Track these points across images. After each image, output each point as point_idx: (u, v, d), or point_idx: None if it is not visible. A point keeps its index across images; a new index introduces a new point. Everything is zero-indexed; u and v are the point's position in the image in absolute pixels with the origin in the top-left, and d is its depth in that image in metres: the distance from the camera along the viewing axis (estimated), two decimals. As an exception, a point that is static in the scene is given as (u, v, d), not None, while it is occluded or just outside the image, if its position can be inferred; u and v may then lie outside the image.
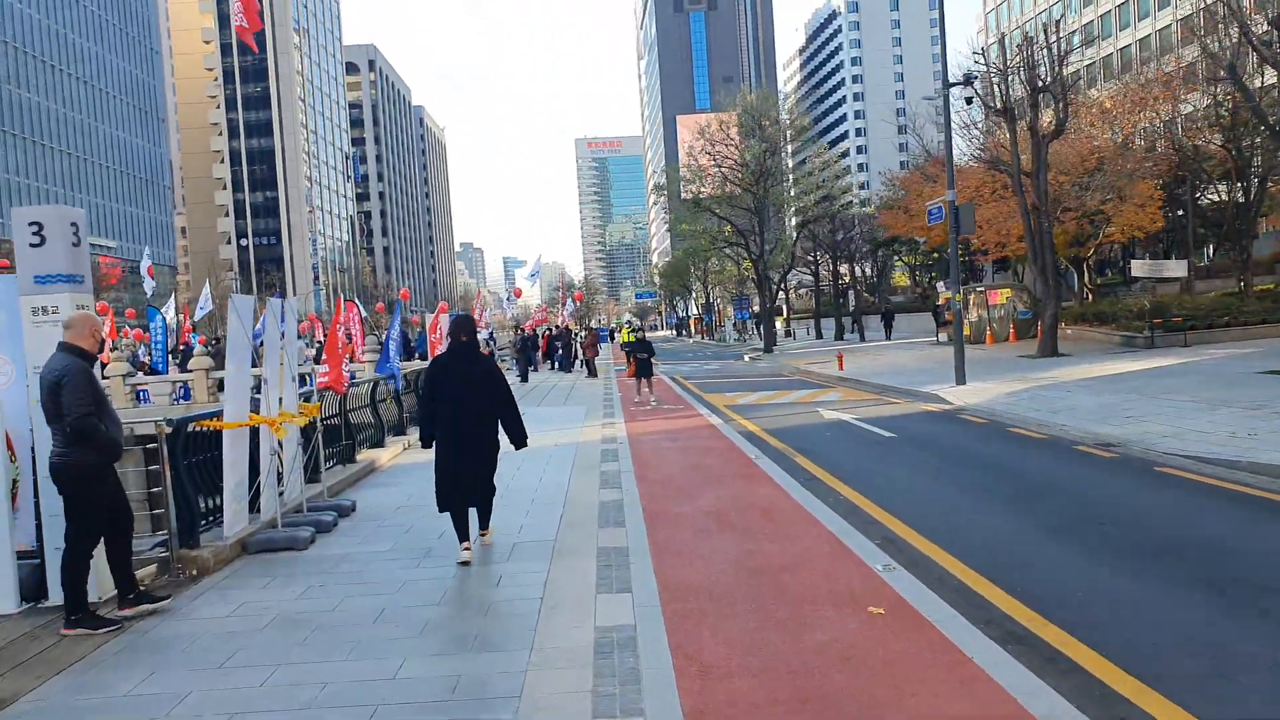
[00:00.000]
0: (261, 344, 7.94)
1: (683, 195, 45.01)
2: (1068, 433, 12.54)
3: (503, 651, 4.77)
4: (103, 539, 5.69)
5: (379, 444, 12.62)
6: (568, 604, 5.51)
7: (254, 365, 7.81)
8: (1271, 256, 40.64)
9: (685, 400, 20.49)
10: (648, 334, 21.69)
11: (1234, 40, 18.14)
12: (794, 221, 47.89)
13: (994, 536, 7.15)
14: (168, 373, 24.29)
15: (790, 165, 50.22)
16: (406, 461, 12.14)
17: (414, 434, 14.30)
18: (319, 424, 9.14)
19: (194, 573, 6.73)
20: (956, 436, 13.29)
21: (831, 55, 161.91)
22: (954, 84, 20.48)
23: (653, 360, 20.27)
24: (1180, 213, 32.77)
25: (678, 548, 6.85)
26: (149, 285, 41.65)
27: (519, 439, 7.23)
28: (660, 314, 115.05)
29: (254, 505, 7.67)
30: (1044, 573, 6.10)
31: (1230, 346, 24.45)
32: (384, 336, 15.30)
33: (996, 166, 28.70)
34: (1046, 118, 28.17)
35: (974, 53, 27.45)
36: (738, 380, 27.82)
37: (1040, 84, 26.39)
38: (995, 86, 26.81)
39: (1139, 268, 34.05)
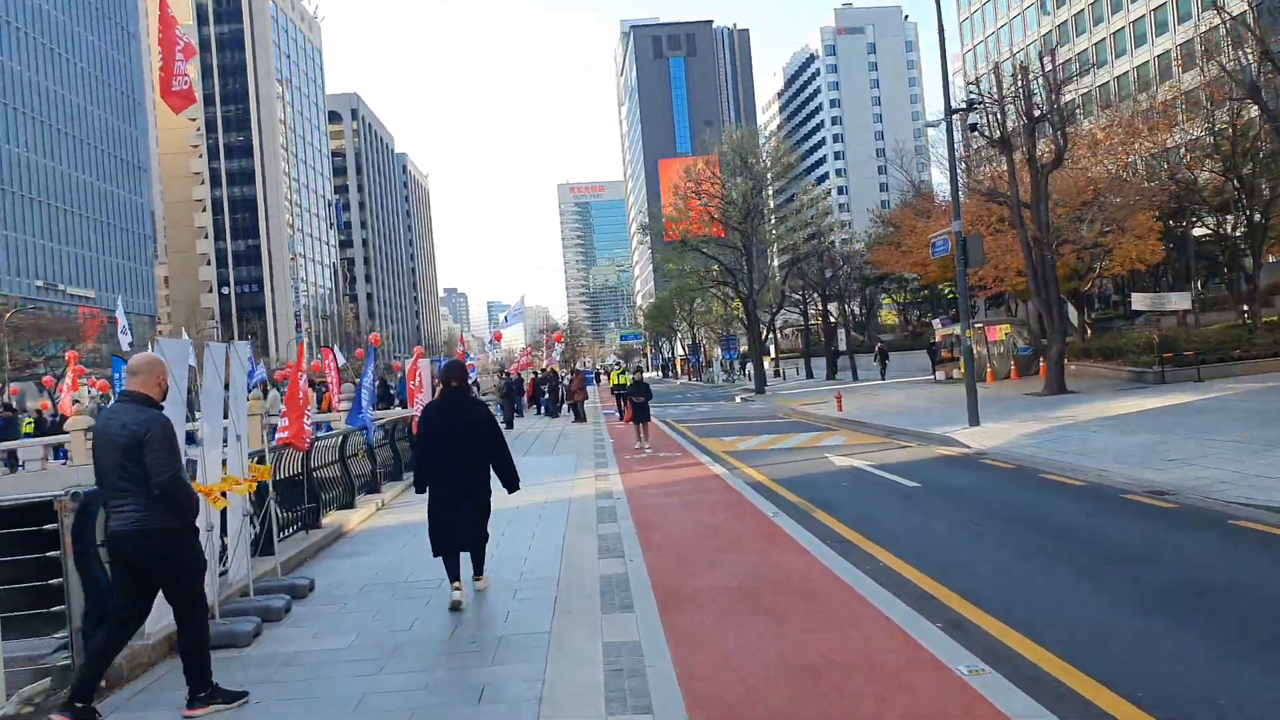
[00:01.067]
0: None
1: (666, 236, 44.18)
2: (1109, 478, 11.38)
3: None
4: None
5: (348, 505, 11.30)
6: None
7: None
8: (1268, 288, 40.08)
9: (682, 446, 19.24)
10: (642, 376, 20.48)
11: (1253, 59, 17.44)
12: (781, 260, 47.18)
13: (1083, 618, 5.92)
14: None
15: (774, 205, 49.52)
16: (379, 524, 10.82)
17: (389, 491, 12.99)
18: (271, 489, 7.85)
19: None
20: (987, 485, 12.11)
21: (810, 98, 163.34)
22: (957, 110, 19.66)
23: (649, 404, 19.07)
24: (1173, 245, 32.07)
25: (702, 640, 5.59)
26: (124, 337, 40.15)
27: (511, 483, 7.27)
28: (645, 355, 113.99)
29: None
30: (1169, 672, 4.88)
31: (1246, 381, 23.45)
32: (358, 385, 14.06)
33: (995, 198, 27.93)
34: (1044, 147, 27.53)
35: (968, 83, 26.85)
36: (733, 423, 26.62)
37: (1038, 113, 25.73)
38: (991, 116, 26.14)
39: (1140, 301, 33.23)
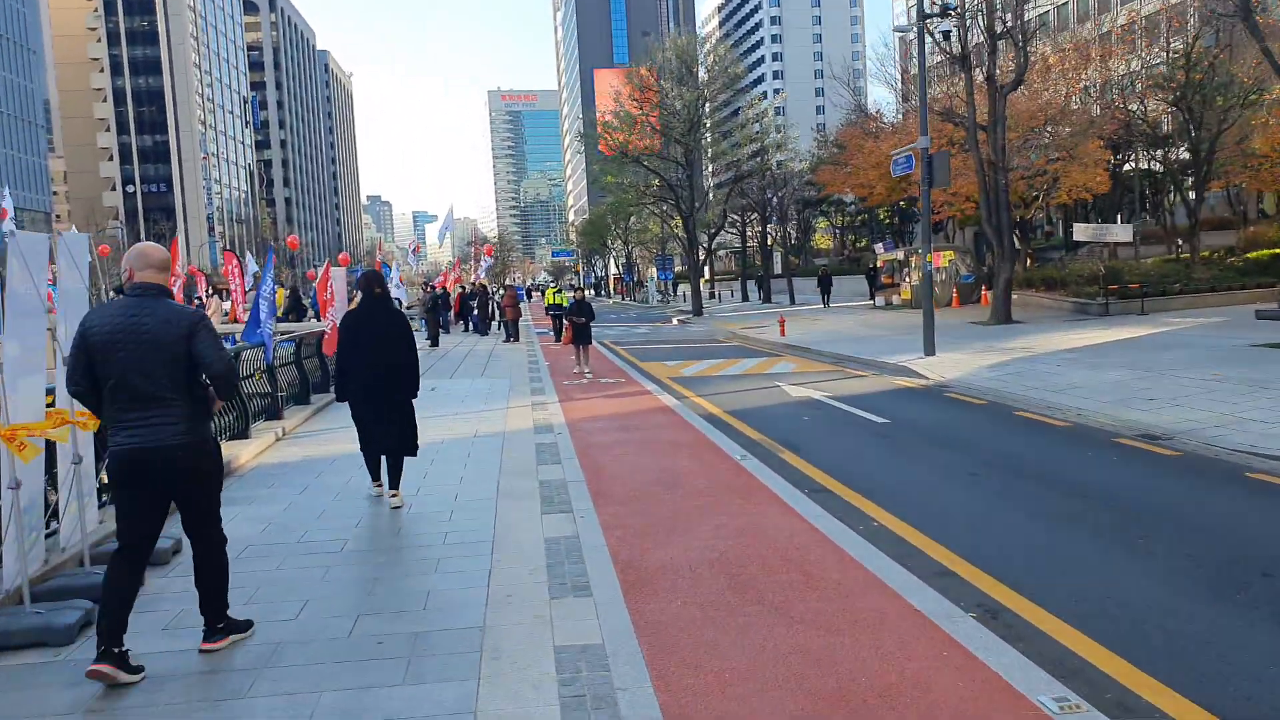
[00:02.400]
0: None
1: (602, 147, 41.98)
2: (1090, 418, 10.49)
3: None
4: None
5: (240, 434, 9.63)
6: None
7: None
8: (1201, 223, 40.15)
9: (624, 371, 17.87)
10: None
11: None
12: (724, 178, 45.48)
13: (1144, 604, 4.80)
14: None
15: (717, 118, 47.46)
16: (278, 459, 9.21)
17: (293, 418, 11.33)
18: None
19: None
20: (962, 423, 11.08)
21: (750, 13, 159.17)
22: (929, 15, 18.13)
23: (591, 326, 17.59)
24: (1114, 177, 31.49)
25: (685, 647, 4.26)
26: (6, 228, 36.47)
27: (412, 390, 7.24)
28: (578, 273, 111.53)
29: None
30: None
31: (1189, 315, 23.11)
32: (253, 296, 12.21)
33: (950, 119, 26.72)
34: (1003, 67, 26.28)
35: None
36: (673, 346, 25.37)
37: (1000, 28, 24.38)
38: (955, 31, 24.72)
39: (1082, 232, 32.78)
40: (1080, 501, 7.01)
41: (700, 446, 9.34)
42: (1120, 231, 32.16)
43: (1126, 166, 33.70)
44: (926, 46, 24.25)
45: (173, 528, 4.64)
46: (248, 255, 30.63)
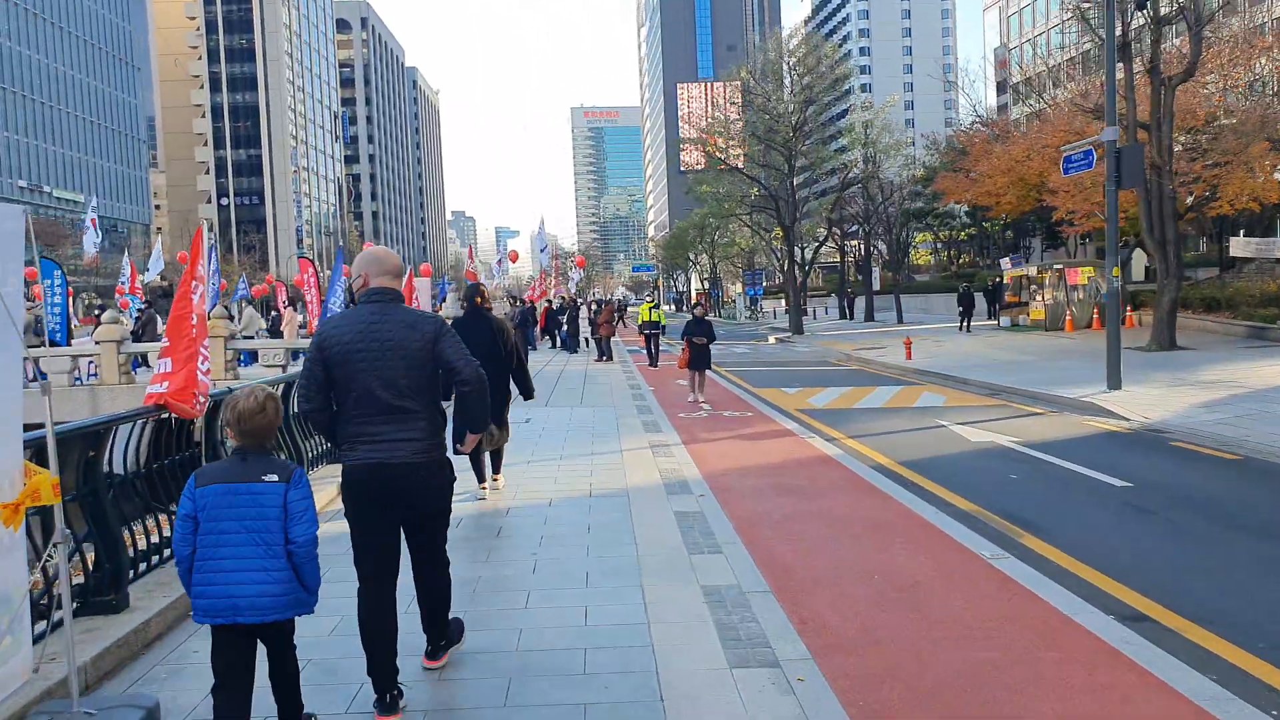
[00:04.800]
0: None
1: (697, 159, 39.53)
2: None
3: None
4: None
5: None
6: None
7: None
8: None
9: (744, 401, 15.28)
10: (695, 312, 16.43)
11: None
12: (829, 184, 42.55)
13: None
14: (68, 344, 18.95)
15: (818, 123, 44.49)
16: (337, 530, 6.94)
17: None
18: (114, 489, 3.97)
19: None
20: (1233, 490, 8.27)
21: (838, 27, 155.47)
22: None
23: (710, 347, 15.07)
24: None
25: None
26: (91, 240, 35.84)
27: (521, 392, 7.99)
28: (659, 288, 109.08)
29: None
30: None
31: None
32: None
33: (1103, 116, 23.43)
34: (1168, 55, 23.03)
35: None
36: (785, 370, 22.70)
37: (1166, 10, 21.15)
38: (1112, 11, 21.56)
39: (1240, 247, 29.05)
40: None
41: (911, 527, 6.69)
42: (1288, 245, 28.30)
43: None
44: (1078, 32, 21.25)
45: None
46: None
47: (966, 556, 5.93)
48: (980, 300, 36.46)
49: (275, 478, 3.26)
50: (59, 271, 19.09)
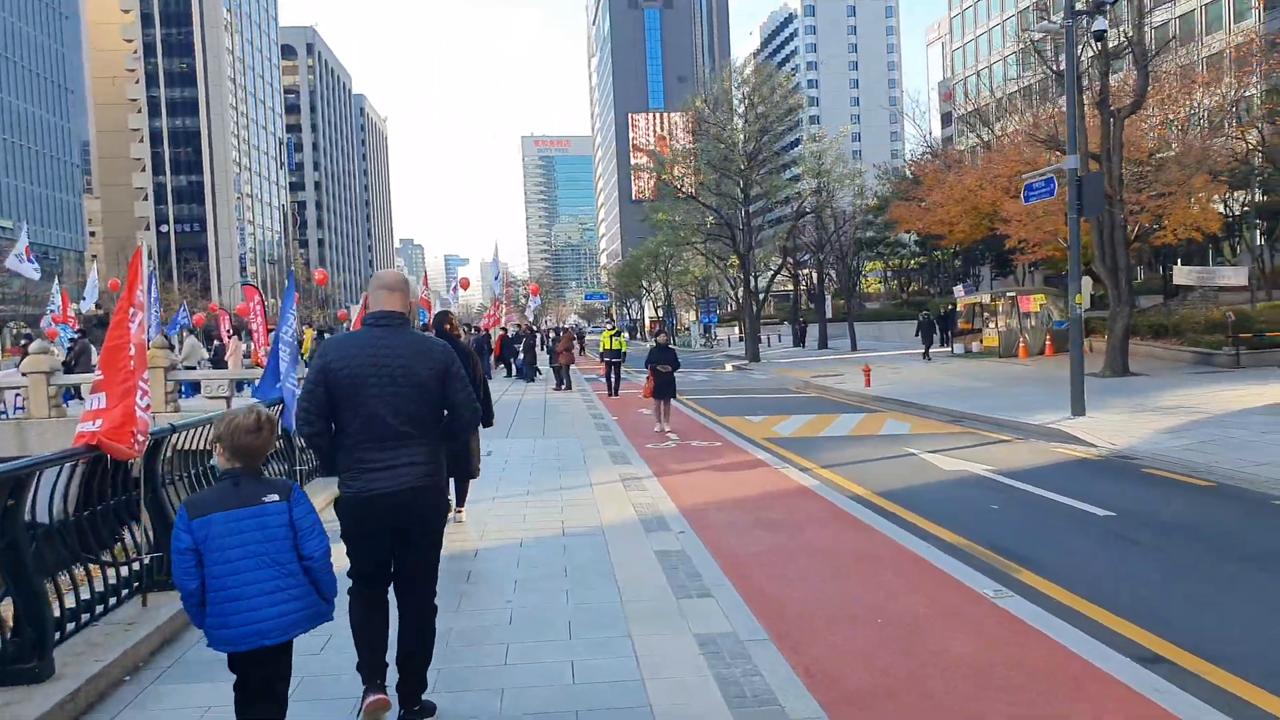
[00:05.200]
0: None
1: (656, 178, 39.47)
2: None
3: None
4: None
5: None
6: None
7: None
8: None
9: (711, 430, 14.95)
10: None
11: None
12: (783, 213, 42.77)
13: None
14: (-5, 376, 17.90)
15: (771, 152, 44.83)
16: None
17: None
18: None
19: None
20: (1215, 517, 8.16)
21: (787, 59, 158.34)
22: (1081, 11, 15.36)
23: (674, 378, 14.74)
24: (1244, 210, 28.39)
25: None
26: (29, 269, 34.22)
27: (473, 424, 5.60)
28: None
29: None
30: None
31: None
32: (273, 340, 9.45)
33: (1057, 146, 23.88)
34: (1117, 87, 23.56)
35: (1036, 5, 22.57)
36: (746, 397, 22.46)
37: (1126, 42, 21.63)
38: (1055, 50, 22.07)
39: (1184, 275, 29.72)
40: None
41: (902, 562, 6.37)
42: (1232, 274, 29.03)
43: (1235, 204, 30.58)
44: (1032, 64, 21.63)
45: None
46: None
47: (965, 594, 5.62)
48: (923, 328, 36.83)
49: (276, 497, 3.23)
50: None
